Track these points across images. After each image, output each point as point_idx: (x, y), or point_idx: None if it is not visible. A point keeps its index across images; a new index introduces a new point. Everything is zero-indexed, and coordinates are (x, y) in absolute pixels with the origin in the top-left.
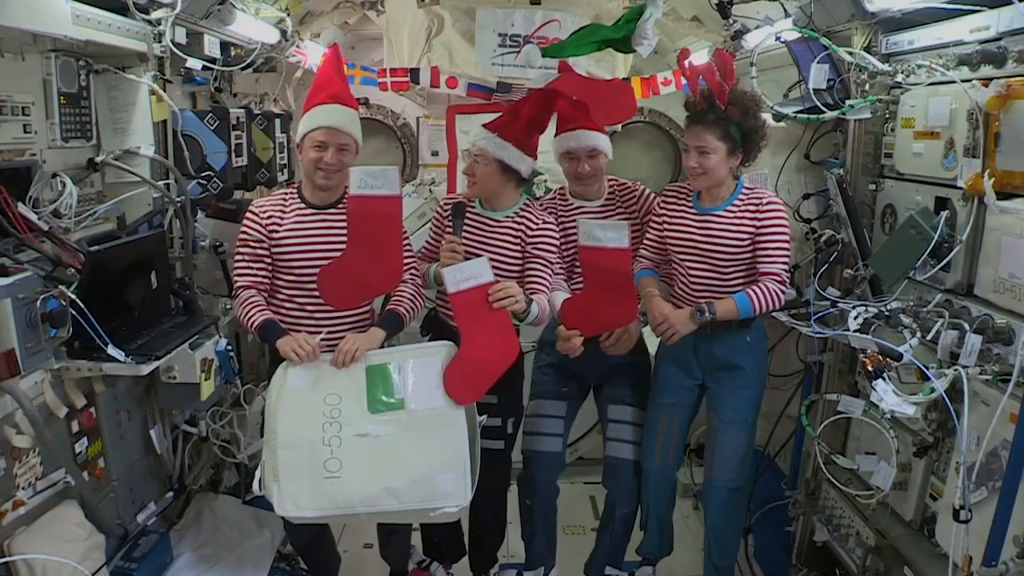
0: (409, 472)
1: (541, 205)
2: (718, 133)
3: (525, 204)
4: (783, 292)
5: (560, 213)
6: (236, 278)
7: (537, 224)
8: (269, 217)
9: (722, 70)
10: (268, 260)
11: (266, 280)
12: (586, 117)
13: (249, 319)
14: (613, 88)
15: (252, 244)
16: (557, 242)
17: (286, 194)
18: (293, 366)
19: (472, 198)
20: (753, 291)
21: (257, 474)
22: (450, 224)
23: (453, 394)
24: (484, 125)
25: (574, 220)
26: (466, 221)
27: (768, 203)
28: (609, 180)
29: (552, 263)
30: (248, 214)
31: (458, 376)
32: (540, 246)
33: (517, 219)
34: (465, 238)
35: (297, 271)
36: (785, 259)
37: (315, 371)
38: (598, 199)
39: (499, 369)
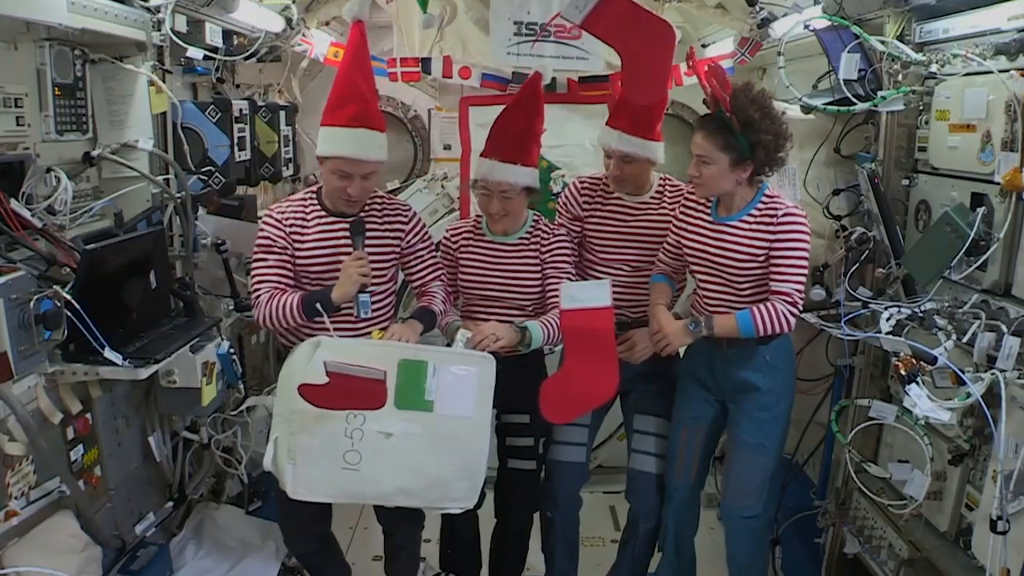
0: (427, 476)
1: (581, 184)
2: (719, 143)
3: (535, 219)
4: (793, 315)
5: (599, 198)
6: (257, 285)
7: (550, 236)
8: (291, 224)
9: (720, 81)
10: (291, 267)
11: (289, 288)
12: (634, 123)
13: (283, 306)
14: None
15: (276, 251)
16: (570, 250)
17: (305, 200)
18: (324, 346)
19: (498, 232)
20: (759, 310)
21: (269, 450)
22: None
23: (548, 412)
24: (483, 155)
25: (610, 206)
26: (479, 251)
27: (785, 215)
28: (661, 178)
29: (570, 275)
30: (268, 220)
31: (557, 394)
32: (557, 259)
33: (531, 237)
34: (485, 269)
35: (326, 281)
36: (799, 278)
37: (346, 355)
38: (636, 196)
39: (596, 400)
